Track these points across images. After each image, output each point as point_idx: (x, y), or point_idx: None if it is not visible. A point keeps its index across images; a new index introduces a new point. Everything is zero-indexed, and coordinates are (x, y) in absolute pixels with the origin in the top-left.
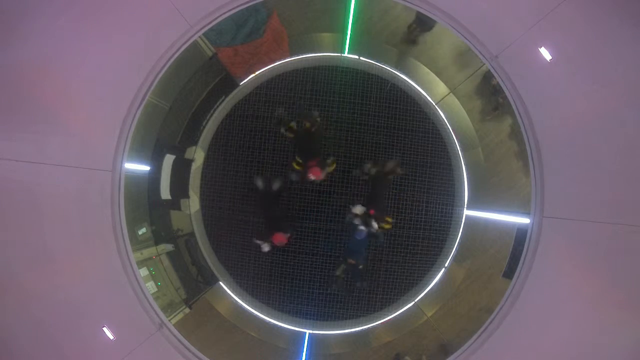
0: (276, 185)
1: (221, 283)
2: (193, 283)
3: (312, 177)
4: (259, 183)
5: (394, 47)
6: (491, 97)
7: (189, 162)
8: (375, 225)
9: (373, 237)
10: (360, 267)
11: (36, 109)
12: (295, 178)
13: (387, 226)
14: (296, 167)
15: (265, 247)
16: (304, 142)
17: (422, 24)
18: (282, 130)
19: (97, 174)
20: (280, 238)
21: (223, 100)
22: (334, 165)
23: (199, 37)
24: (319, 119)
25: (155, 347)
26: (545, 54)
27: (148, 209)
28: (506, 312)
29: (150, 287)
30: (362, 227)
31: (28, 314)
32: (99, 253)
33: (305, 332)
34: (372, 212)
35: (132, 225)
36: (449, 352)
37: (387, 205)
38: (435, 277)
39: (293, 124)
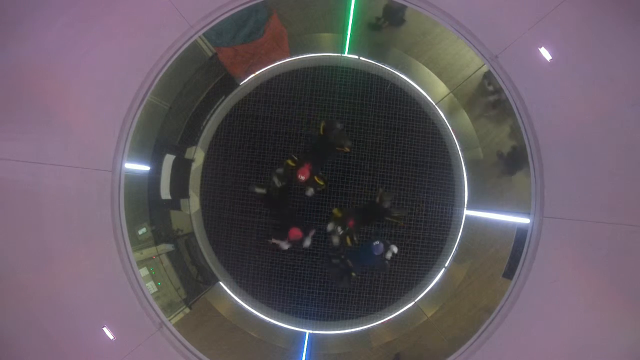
0: (277, 183)
1: (221, 283)
2: (193, 283)
3: (300, 176)
4: (257, 190)
5: (395, 47)
6: (490, 96)
7: (189, 162)
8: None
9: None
10: (353, 274)
11: (36, 109)
12: (278, 181)
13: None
14: (290, 163)
15: (284, 245)
16: (318, 146)
17: (391, 17)
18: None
19: (97, 174)
20: (296, 232)
21: (223, 100)
22: (323, 185)
23: (199, 37)
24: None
25: (155, 347)
26: (545, 54)
27: (148, 209)
28: (506, 312)
29: (150, 287)
30: (377, 242)
31: (28, 314)
32: (99, 253)
33: (305, 332)
34: (351, 224)
35: (132, 225)
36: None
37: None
38: (435, 277)
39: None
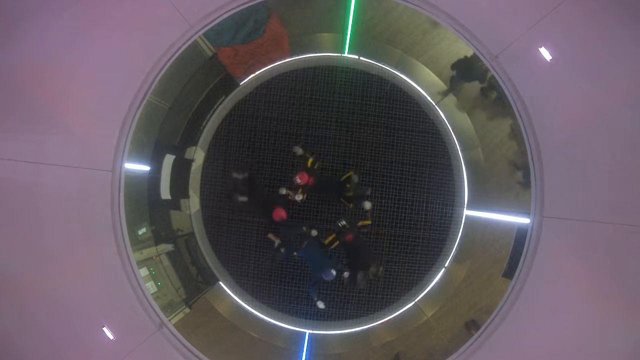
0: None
1: (221, 283)
2: (193, 283)
3: (297, 179)
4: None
5: (395, 47)
6: (490, 95)
7: (189, 162)
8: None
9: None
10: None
11: (36, 109)
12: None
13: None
14: (309, 159)
15: (276, 240)
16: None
17: None
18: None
19: (97, 174)
20: (280, 213)
21: (223, 100)
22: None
23: (199, 37)
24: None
25: (155, 347)
26: (545, 54)
27: (148, 209)
28: (506, 312)
29: (150, 287)
30: (334, 272)
31: (28, 314)
32: (99, 253)
33: (305, 332)
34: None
35: (132, 225)
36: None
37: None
38: (435, 277)
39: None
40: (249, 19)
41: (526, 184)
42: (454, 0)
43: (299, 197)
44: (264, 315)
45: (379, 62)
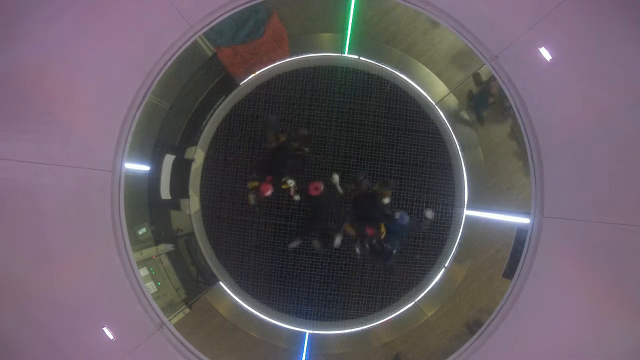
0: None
1: (221, 283)
2: (193, 283)
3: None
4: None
5: (395, 47)
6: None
7: (189, 162)
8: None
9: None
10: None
11: (36, 109)
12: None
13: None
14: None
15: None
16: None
17: None
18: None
19: (97, 174)
20: (267, 187)
21: (223, 100)
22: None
23: (199, 37)
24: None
25: (155, 347)
26: (545, 54)
27: (148, 209)
28: (506, 312)
29: (150, 287)
30: (399, 214)
31: (28, 314)
32: (99, 253)
33: (305, 332)
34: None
35: (132, 225)
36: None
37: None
38: (435, 277)
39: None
40: (249, 19)
41: (526, 183)
42: (454, 0)
43: (291, 183)
44: (264, 315)
45: (379, 62)
